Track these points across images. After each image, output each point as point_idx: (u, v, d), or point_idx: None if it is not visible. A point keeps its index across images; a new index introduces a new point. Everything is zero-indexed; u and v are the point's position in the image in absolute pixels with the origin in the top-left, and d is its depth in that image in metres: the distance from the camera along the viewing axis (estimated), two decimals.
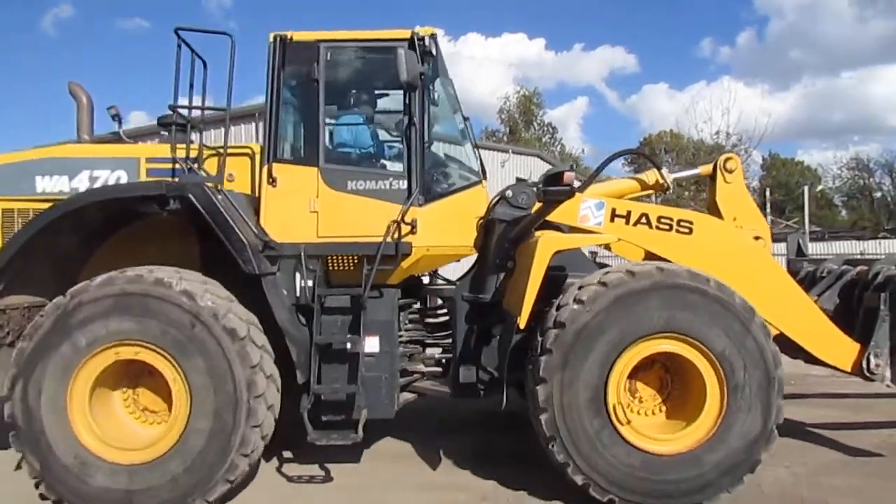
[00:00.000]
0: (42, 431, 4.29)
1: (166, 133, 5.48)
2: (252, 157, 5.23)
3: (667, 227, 5.27)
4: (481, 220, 5.40)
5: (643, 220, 5.30)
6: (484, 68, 61.92)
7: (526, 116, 45.91)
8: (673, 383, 4.87)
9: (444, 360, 5.56)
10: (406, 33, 5.18)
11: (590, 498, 4.46)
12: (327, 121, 5.31)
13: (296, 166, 5.14)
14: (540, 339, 4.57)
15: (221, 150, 5.08)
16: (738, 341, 4.50)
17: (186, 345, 4.32)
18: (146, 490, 4.28)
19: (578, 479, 4.46)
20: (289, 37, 5.17)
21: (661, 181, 5.85)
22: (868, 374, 5.19)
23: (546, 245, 4.74)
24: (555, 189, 4.74)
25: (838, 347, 5.27)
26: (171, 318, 4.32)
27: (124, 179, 5.08)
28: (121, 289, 4.37)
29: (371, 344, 5.02)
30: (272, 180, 5.06)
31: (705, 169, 6.04)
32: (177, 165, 5.08)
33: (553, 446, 4.47)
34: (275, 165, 5.08)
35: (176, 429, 4.34)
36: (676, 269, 4.63)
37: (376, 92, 5.73)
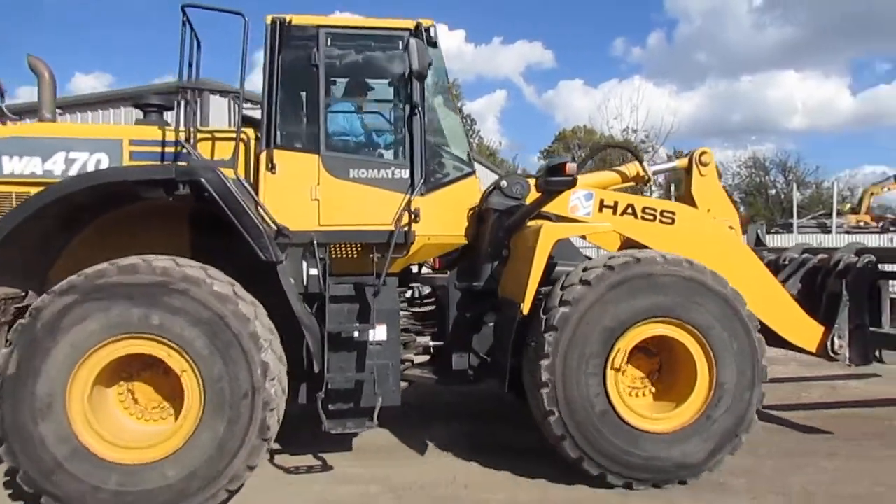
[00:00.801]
0: (35, 422, 3.96)
1: (142, 116, 5.26)
2: (247, 143, 5.04)
3: (651, 217, 5.57)
4: (473, 210, 5.47)
5: (629, 210, 5.57)
6: None
7: None
8: (662, 366, 5.11)
9: (432, 348, 5.60)
10: (410, 23, 5.20)
11: (581, 471, 4.70)
12: (328, 108, 5.22)
13: (296, 153, 5.03)
14: (544, 317, 4.73)
15: (214, 134, 4.88)
16: (730, 329, 4.80)
17: (206, 343, 4.12)
18: (157, 489, 4.06)
19: (573, 453, 4.66)
20: (287, 20, 5.03)
21: (642, 173, 6.11)
22: (832, 355, 5.63)
23: (548, 233, 4.93)
24: (558, 179, 4.85)
25: (805, 330, 5.67)
26: (195, 315, 4.11)
27: (105, 163, 4.77)
28: (142, 279, 4.11)
29: (380, 332, 4.99)
30: (272, 167, 4.91)
31: (681, 162, 6.35)
32: (167, 149, 4.83)
33: (551, 420, 4.64)
34: (275, 152, 4.94)
35: (187, 426, 4.13)
36: (678, 258, 4.88)
37: (378, 80, 5.66)
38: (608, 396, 4.68)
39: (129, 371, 4.38)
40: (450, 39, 67.78)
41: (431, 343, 5.59)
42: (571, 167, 4.83)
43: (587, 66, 79.14)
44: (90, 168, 4.73)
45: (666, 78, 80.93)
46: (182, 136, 4.78)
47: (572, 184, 4.94)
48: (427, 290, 6.04)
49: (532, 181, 5.56)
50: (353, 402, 4.94)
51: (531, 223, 5.29)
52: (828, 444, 5.71)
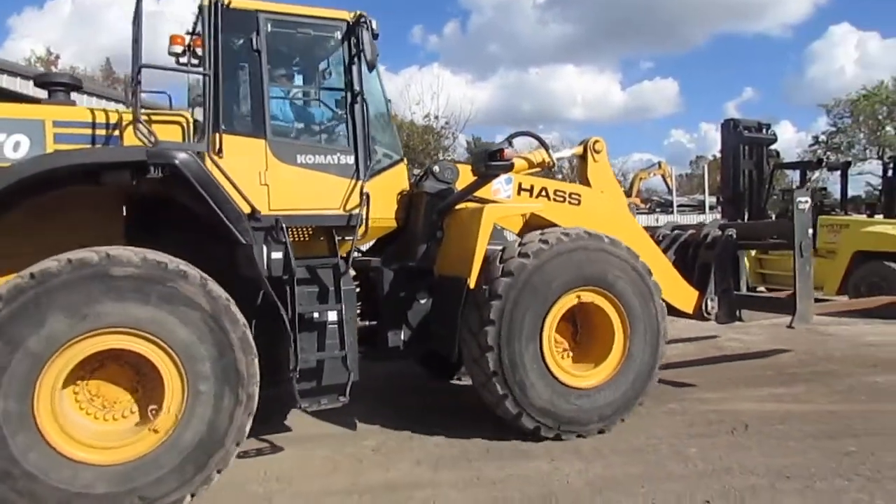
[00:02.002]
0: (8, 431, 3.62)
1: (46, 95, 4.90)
2: (184, 126, 4.86)
3: (561, 199, 6.23)
4: (403, 195, 5.72)
5: (543, 192, 6.16)
6: (166, 26, 59.89)
7: None
8: (580, 331, 5.75)
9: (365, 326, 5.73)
10: (347, 14, 5.36)
11: (518, 427, 5.19)
12: (271, 94, 5.22)
13: (244, 138, 4.97)
14: (486, 287, 5.15)
15: (150, 116, 4.65)
16: (641, 296, 5.50)
17: (191, 334, 4.01)
18: (154, 480, 3.92)
19: (514, 409, 5.12)
20: (225, 3, 4.91)
21: (547, 160, 6.56)
22: (706, 315, 6.68)
23: (490, 214, 5.34)
24: (497, 164, 5.22)
25: (685, 296, 6.62)
26: (172, 302, 3.98)
27: (25, 145, 4.40)
28: (116, 272, 3.87)
29: (345, 311, 5.09)
30: (219, 151, 4.78)
31: (578, 150, 6.96)
32: (98, 132, 4.60)
33: (495, 380, 5.09)
34: (224, 136, 4.83)
35: (170, 422, 4.00)
36: (600, 234, 5.49)
37: (319, 68, 5.75)
38: (543, 357, 5.20)
39: (85, 370, 4.05)
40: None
41: (366, 323, 5.71)
42: (509, 152, 5.23)
43: (388, 52, 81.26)
44: (8, 150, 4.35)
45: (462, 67, 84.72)
46: (132, 118, 4.53)
47: (510, 167, 5.40)
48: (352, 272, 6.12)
49: (461, 167, 5.96)
50: (324, 380, 5.03)
51: (466, 205, 5.69)
52: None
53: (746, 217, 8.42)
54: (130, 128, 4.66)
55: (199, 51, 5.30)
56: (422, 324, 5.75)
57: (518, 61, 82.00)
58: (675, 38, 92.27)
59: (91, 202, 4.70)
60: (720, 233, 6.90)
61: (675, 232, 7.36)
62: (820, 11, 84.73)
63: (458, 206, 5.71)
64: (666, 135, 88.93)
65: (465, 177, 5.87)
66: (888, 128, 40.16)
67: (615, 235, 5.62)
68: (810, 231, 6.67)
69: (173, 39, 5.45)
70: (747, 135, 8.15)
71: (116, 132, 4.69)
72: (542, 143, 6.47)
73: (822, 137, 42.70)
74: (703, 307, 6.65)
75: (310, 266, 5.11)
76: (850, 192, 16.94)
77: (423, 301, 5.76)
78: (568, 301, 5.33)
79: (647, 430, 5.47)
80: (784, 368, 7.48)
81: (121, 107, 4.95)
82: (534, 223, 5.78)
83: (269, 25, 5.11)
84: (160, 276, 3.99)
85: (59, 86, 4.93)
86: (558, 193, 6.24)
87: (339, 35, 5.42)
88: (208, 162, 4.65)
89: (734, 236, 6.87)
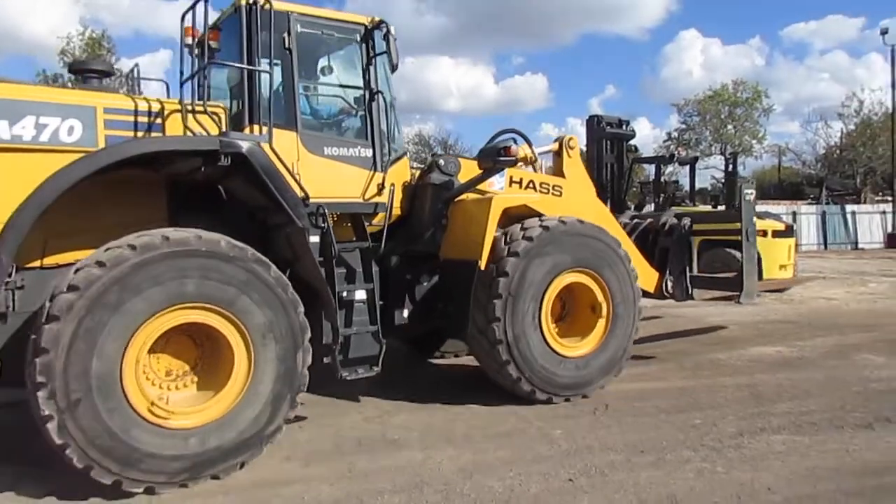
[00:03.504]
0: (89, 389, 3.91)
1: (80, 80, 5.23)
2: (222, 118, 5.12)
3: (546, 190, 6.96)
4: (407, 185, 6.20)
5: (531, 185, 6.89)
6: (42, 2, 53.94)
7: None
8: (566, 306, 6.43)
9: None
10: (366, 19, 5.92)
11: (518, 391, 5.82)
12: (302, 89, 5.64)
13: (279, 130, 5.19)
14: (493, 265, 5.75)
15: (184, 107, 4.89)
16: (621, 277, 6.24)
17: (255, 307, 4.40)
18: (211, 450, 4.26)
19: (514, 374, 5.73)
20: (261, 4, 5.19)
21: (530, 155, 6.72)
22: (667, 294, 7.42)
23: (498, 203, 5.94)
24: (505, 159, 5.90)
25: (647, 276, 7.28)
26: (234, 277, 4.34)
27: (79, 129, 4.55)
28: (190, 249, 4.23)
29: (376, 290, 5.63)
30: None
31: (554, 147, 7.48)
32: (141, 119, 4.83)
33: (500, 348, 5.68)
34: (256, 128, 5.17)
35: (238, 386, 4.39)
36: (590, 223, 6.21)
37: (344, 67, 6.15)
38: (541, 328, 5.83)
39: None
40: None
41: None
42: (515, 149, 5.92)
43: None
44: (63, 134, 4.49)
45: None
46: (152, 107, 4.90)
47: (516, 163, 6.08)
48: None
49: (463, 161, 6.53)
50: (360, 352, 5.47)
51: (469, 195, 6.29)
52: (486, 391, 6.28)
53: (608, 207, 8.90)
54: (172, 117, 4.94)
55: (212, 44, 5.45)
56: (424, 302, 6.27)
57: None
58: (545, 36, 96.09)
59: (140, 186, 4.93)
60: (677, 221, 7.65)
61: (635, 221, 8.10)
62: (672, 17, 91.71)
63: (461, 197, 6.26)
64: (537, 128, 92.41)
65: (467, 170, 6.44)
66: (729, 126, 44.25)
67: (593, 220, 6.30)
68: (754, 219, 7.38)
69: (187, 31, 5.53)
70: (609, 130, 8.65)
71: (159, 120, 4.92)
72: (527, 140, 6.87)
73: (675, 134, 46.37)
74: (664, 287, 7.39)
75: (343, 249, 5.47)
76: (698, 185, 18.45)
77: (425, 283, 6.32)
78: (563, 280, 5.98)
79: (516, 413, 5.69)
80: (642, 350, 8.01)
81: None
82: (516, 212, 6.16)
83: (298, 26, 5.54)
84: (240, 258, 4.37)
85: (93, 72, 5.22)
86: (543, 185, 6.96)
87: (358, 37, 5.91)
88: (268, 151, 4.90)
89: (690, 224, 7.62)
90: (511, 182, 6.73)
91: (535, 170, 7.23)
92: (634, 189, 15.22)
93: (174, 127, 4.92)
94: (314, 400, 5.95)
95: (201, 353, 4.60)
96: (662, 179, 13.89)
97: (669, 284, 7.47)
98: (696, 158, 17.09)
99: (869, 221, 33.27)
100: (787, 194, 42.58)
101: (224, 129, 5.02)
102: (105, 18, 76.71)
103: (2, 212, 4.21)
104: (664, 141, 46.40)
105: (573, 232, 6.01)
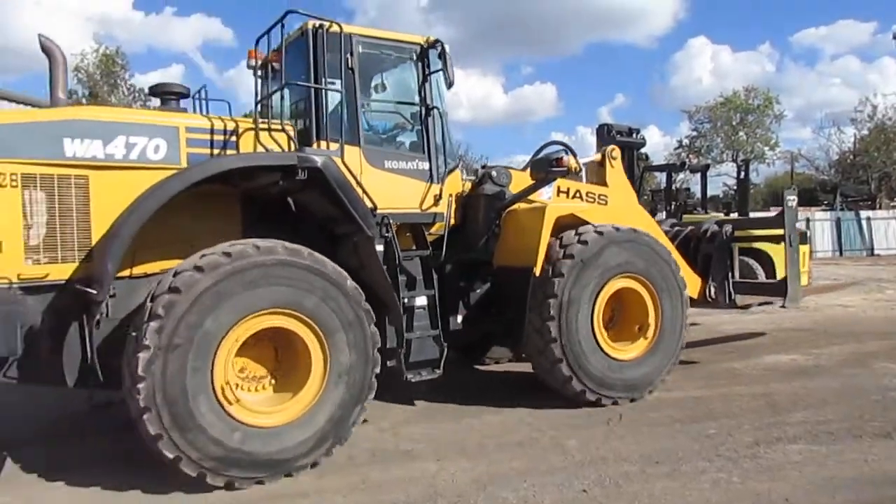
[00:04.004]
0: (185, 386, 4.21)
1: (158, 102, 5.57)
2: (290, 135, 5.37)
3: (592, 199, 7.21)
4: (458, 196, 6.46)
5: (577, 195, 7.13)
6: (56, 18, 55.14)
7: (109, 78, 40.93)
8: (622, 311, 6.60)
9: None
10: (422, 38, 6.25)
11: (567, 391, 6.00)
12: (363, 106, 5.91)
13: (345, 145, 5.48)
14: (548, 267, 6.00)
15: (258, 125, 5.23)
16: (669, 284, 6.46)
17: (333, 315, 4.70)
18: (292, 447, 4.54)
19: (566, 372, 5.92)
20: (327, 26, 5.53)
21: (574, 165, 6.87)
22: (710, 300, 7.55)
23: (552, 212, 6.23)
24: (557, 170, 6.14)
25: (692, 282, 7.33)
26: (320, 288, 4.67)
27: (164, 148, 4.93)
28: (278, 259, 4.55)
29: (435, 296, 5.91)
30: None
31: (597, 157, 7.70)
32: (216, 137, 5.16)
33: (553, 347, 5.89)
34: (329, 144, 5.42)
35: (313, 389, 4.69)
36: (645, 231, 6.48)
37: (401, 85, 6.41)
38: (594, 329, 6.04)
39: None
40: (115, 4, 63.65)
41: None
42: (566, 160, 6.11)
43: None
44: (150, 152, 4.86)
45: None
46: (228, 125, 5.23)
47: (567, 173, 6.28)
48: None
49: (513, 172, 6.81)
50: (423, 355, 5.72)
51: (523, 204, 6.55)
52: (500, 396, 6.45)
53: None
54: (246, 135, 5.27)
55: (275, 65, 5.78)
56: (477, 308, 6.52)
57: None
58: (553, 45, 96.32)
59: (217, 199, 5.17)
60: (718, 228, 7.75)
61: (676, 228, 8.23)
62: (680, 25, 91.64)
63: (512, 206, 6.53)
64: (546, 137, 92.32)
65: (517, 181, 6.69)
66: (741, 133, 44.00)
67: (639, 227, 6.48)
68: (797, 224, 7.57)
69: (250, 54, 6.13)
70: (619, 139, 8.64)
71: (233, 138, 5.24)
72: (571, 151, 7.04)
73: (686, 141, 46.14)
74: (707, 293, 7.51)
75: (405, 257, 5.76)
76: (710, 192, 18.36)
77: (478, 289, 6.58)
78: (615, 285, 6.19)
79: (529, 424, 5.68)
80: None
81: None
82: (565, 221, 6.35)
83: (360, 47, 5.84)
84: (320, 267, 4.70)
85: (171, 94, 5.53)
86: (589, 195, 7.19)
87: (414, 56, 6.21)
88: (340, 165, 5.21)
89: (731, 231, 7.73)
90: (559, 192, 6.97)
91: (579, 180, 7.43)
92: (646, 197, 15.14)
93: (247, 144, 5.25)
94: None
95: (278, 358, 4.91)
96: (674, 187, 13.81)
97: (712, 290, 7.60)
98: (708, 166, 16.98)
99: (885, 227, 32.85)
100: (801, 201, 42.00)
101: (293, 145, 5.30)
102: (118, 35, 77.85)
103: (98, 224, 4.67)
104: (675, 148, 46.21)
105: (625, 238, 6.24)
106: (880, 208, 38.02)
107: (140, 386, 4.12)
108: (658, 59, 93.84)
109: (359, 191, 5.28)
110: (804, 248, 12.76)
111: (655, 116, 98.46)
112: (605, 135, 8.73)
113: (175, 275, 4.35)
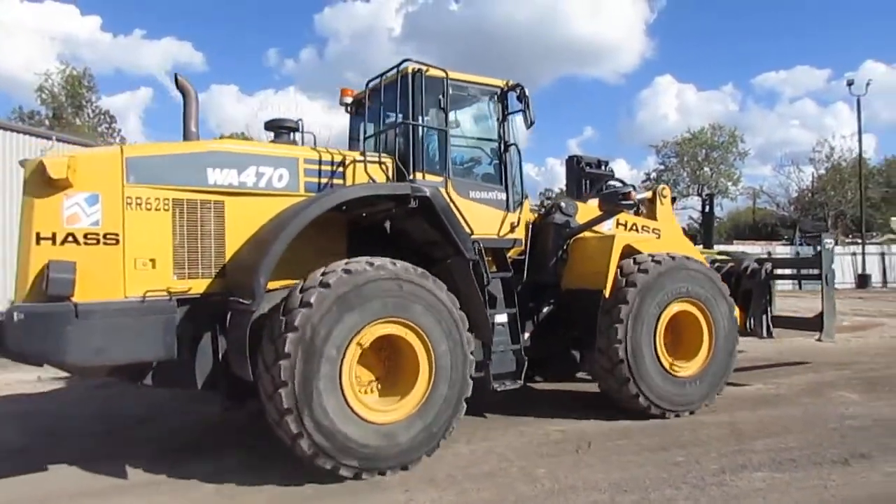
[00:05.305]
0: (330, 388, 4.84)
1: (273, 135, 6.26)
2: (390, 167, 6.12)
3: (646, 232, 7.93)
4: (528, 224, 7.07)
5: (633, 227, 7.87)
6: (16, 37, 54.54)
7: (75, 100, 40.62)
8: (680, 332, 7.15)
9: None
10: (503, 82, 6.89)
11: (632, 406, 6.66)
12: (452, 142, 6.47)
13: (435, 177, 6.21)
14: (614, 294, 6.63)
15: (359, 158, 6.00)
16: (720, 310, 7.12)
17: (436, 324, 5.32)
18: (410, 440, 5.18)
19: (633, 390, 6.55)
20: (424, 70, 6.25)
21: (633, 200, 7.48)
22: (750, 331, 8.27)
23: (620, 240, 6.94)
24: (626, 203, 6.92)
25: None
26: (428, 302, 5.29)
27: (286, 177, 5.62)
28: (393, 273, 5.15)
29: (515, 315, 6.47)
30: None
31: (648, 195, 8.38)
32: (324, 168, 5.84)
33: (621, 367, 6.49)
34: (425, 175, 6.16)
35: (421, 390, 5.28)
36: (696, 259, 7.23)
37: (483, 122, 7.09)
38: (656, 350, 6.67)
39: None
40: (82, 25, 63.02)
41: None
42: (634, 195, 6.98)
43: (240, 73, 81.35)
44: (275, 181, 5.57)
45: (319, 92, 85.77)
46: (337, 158, 5.95)
47: (634, 206, 7.43)
48: None
49: (580, 204, 7.57)
50: (506, 367, 6.26)
51: (589, 233, 7.26)
52: (470, 428, 6.44)
53: None
54: (353, 166, 5.96)
55: (367, 103, 6.66)
56: (544, 326, 7.11)
57: None
58: (523, 79, 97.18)
59: (328, 224, 5.58)
60: (758, 266, 8.58)
61: (717, 264, 8.92)
62: (647, 63, 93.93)
63: (580, 235, 7.21)
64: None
65: (583, 212, 7.41)
66: (706, 168, 45.21)
67: None
68: (833, 265, 8.37)
69: (344, 92, 7.14)
70: (588, 170, 8.81)
71: (341, 169, 5.93)
72: (633, 188, 7.67)
73: (653, 174, 47.19)
74: (748, 324, 8.23)
75: (497, 278, 6.36)
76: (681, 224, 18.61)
77: (545, 309, 7.19)
78: (673, 309, 6.78)
79: (499, 454, 5.73)
80: None
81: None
82: (624, 250, 6.95)
83: (451, 88, 6.42)
84: (424, 281, 5.32)
85: (285, 129, 6.25)
86: (644, 228, 7.93)
87: (496, 97, 6.88)
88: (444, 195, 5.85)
89: (771, 269, 8.42)
90: (618, 224, 7.62)
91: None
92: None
93: (353, 175, 5.92)
94: None
95: (383, 364, 5.50)
96: None
97: (752, 322, 8.28)
98: (674, 199, 17.27)
99: (840, 262, 33.92)
100: (762, 235, 43.38)
101: (392, 177, 5.97)
102: (85, 55, 76.86)
103: (231, 244, 5.32)
104: (643, 181, 47.18)
105: (681, 266, 6.88)
106: (836, 244, 39.18)
107: (282, 391, 4.69)
108: (625, 95, 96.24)
109: (459, 218, 5.80)
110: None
111: (623, 151, 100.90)
112: (575, 166, 8.90)
113: (302, 290, 4.91)
